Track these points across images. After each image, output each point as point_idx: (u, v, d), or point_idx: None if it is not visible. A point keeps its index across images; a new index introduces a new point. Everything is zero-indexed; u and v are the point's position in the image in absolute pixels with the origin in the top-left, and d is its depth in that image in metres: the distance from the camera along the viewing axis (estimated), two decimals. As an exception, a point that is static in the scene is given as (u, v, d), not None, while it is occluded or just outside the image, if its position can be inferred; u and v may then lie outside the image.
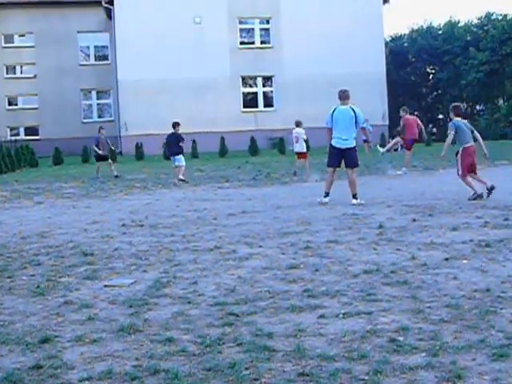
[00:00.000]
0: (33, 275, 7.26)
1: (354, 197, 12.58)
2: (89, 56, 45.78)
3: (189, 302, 5.82)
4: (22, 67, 45.42)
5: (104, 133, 23.47)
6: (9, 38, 44.84)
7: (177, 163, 19.86)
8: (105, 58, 45.25)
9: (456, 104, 13.48)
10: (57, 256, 8.35)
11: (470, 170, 12.50)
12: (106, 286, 6.59)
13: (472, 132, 12.76)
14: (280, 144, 35.60)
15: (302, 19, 39.02)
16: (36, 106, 44.14)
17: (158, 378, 4.08)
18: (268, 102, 41.27)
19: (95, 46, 45.64)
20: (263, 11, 40.54)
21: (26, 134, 44.07)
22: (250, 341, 4.67)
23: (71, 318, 5.52)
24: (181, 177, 19.24)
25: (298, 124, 20.93)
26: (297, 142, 20.45)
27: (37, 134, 43.66)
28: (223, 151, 34.80)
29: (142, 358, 4.45)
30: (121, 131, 39.29)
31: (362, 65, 39.49)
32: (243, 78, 41.06)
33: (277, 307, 5.55)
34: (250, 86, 41.97)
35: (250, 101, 41.25)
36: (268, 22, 41.13)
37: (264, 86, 41.60)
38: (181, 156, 20.01)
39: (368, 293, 5.88)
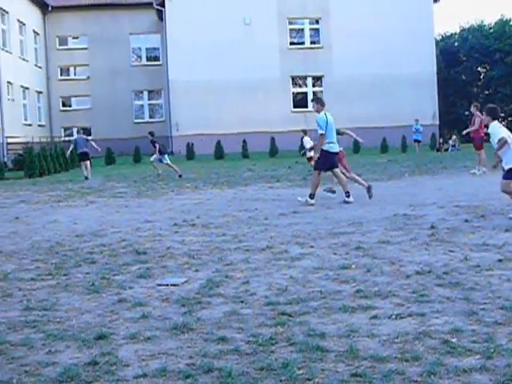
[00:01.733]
0: (87, 273, 7.38)
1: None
2: (140, 57, 46.29)
3: (241, 302, 5.85)
4: (75, 69, 46.14)
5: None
6: (63, 41, 45.64)
7: (166, 161, 23.56)
8: (156, 58, 45.71)
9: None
10: (110, 254, 8.48)
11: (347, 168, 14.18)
12: (159, 284, 6.65)
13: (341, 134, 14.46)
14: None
15: (352, 19, 38.82)
16: (89, 107, 44.82)
17: (211, 376, 4.10)
18: (318, 102, 41.13)
19: (147, 48, 46.10)
20: (313, 11, 40.46)
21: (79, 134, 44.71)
22: (302, 341, 4.67)
23: (125, 315, 5.59)
24: (179, 171, 22.70)
25: (306, 132, 22.96)
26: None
27: (89, 135, 44.19)
28: (273, 151, 34.81)
29: (195, 356, 4.48)
30: (172, 131, 39.64)
31: (412, 64, 39.14)
32: (293, 78, 41.03)
33: (329, 307, 5.53)
34: (300, 86, 41.92)
35: (299, 101, 41.20)
36: (317, 22, 41.04)
37: (314, 85, 41.51)
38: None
39: (420, 294, 5.82)
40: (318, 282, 6.49)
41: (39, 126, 42.35)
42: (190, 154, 35.14)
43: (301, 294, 5.99)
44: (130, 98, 44.93)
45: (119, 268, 7.58)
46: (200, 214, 12.15)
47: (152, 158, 24.05)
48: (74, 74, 46.11)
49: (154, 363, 4.39)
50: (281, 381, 3.98)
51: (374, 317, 5.21)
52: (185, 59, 38.41)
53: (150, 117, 45.55)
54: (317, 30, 41.25)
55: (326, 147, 13.31)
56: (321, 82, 41.23)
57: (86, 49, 44.86)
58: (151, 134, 24.76)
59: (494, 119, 10.54)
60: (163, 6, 39.87)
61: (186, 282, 6.72)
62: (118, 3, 44.30)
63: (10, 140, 35.02)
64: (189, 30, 38.37)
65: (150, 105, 45.86)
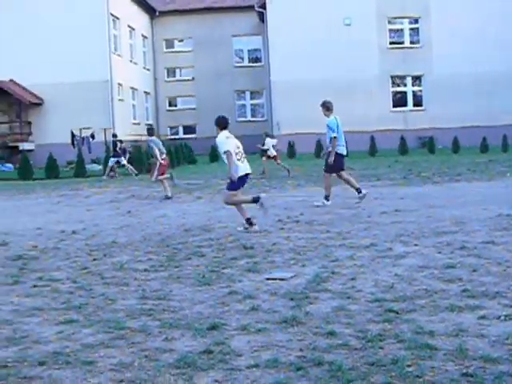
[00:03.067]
0: (198, 266, 7.54)
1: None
2: (243, 58, 46.75)
3: (348, 298, 5.82)
4: (181, 70, 47.11)
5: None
6: (169, 44, 46.69)
7: (111, 164, 26.20)
8: (258, 60, 46.05)
9: (150, 127, 18.17)
10: (218, 248, 8.62)
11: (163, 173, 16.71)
12: (267, 278, 6.71)
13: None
14: (430, 143, 34.75)
15: (452, 17, 37.84)
16: (194, 107, 45.66)
17: (322, 369, 4.10)
18: (417, 102, 40.39)
19: (249, 49, 46.50)
20: (412, 11, 39.67)
21: (184, 133, 45.74)
22: (410, 338, 4.60)
23: (236, 307, 5.67)
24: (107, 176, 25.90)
25: (268, 134, 25.36)
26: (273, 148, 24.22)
27: (194, 133, 45.17)
28: (373, 150, 34.42)
29: (305, 349, 4.50)
30: (273, 130, 39.82)
31: (514, 62, 37.82)
32: (392, 78, 40.40)
33: (436, 306, 5.43)
34: (399, 86, 41.20)
35: (398, 100, 40.53)
36: (417, 22, 40.22)
37: (413, 85, 40.74)
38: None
39: (530, 296, 5.63)
40: (423, 280, 6.37)
41: (147, 124, 43.46)
42: (291, 152, 35.21)
43: (407, 292, 5.91)
44: (232, 97, 45.47)
45: (228, 261, 7.70)
46: (303, 211, 12.17)
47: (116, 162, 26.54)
48: (180, 76, 47.07)
49: (266, 354, 4.43)
50: (391, 377, 3.93)
51: (483, 317, 5.07)
52: (285, 60, 38.48)
53: (252, 116, 45.96)
54: (416, 29, 40.45)
55: (340, 150, 13.60)
56: (420, 82, 40.42)
57: (191, 51, 45.75)
58: (114, 135, 28.16)
59: (222, 129, 10.25)
60: (264, 8, 40.10)
61: (293, 276, 6.75)
62: (222, 7, 44.94)
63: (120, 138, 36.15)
64: (289, 31, 38.41)
65: (252, 104, 46.25)
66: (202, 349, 4.57)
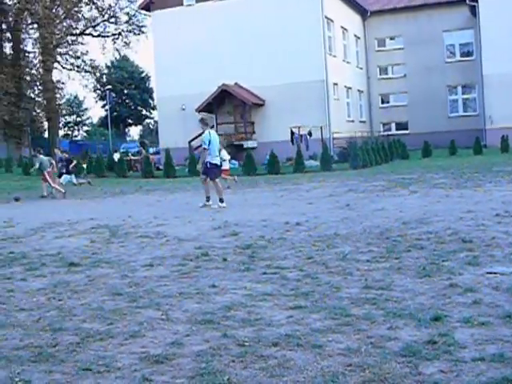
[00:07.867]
0: (417, 258, 7.42)
1: (221, 200, 14.50)
2: (454, 53, 45.04)
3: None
4: (392, 68, 46.42)
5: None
6: (381, 42, 46.25)
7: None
8: (469, 54, 44.13)
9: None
10: (437, 241, 8.41)
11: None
12: (487, 272, 6.45)
13: None
14: None
15: None
16: (405, 103, 44.86)
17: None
18: None
19: (460, 44, 44.70)
20: None
21: (396, 129, 45.10)
22: None
23: (457, 300, 5.52)
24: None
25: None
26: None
27: (406, 129, 44.41)
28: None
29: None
30: (486, 124, 38.06)
31: None
32: None
33: None
34: None
35: None
36: None
37: None
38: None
39: None
40: None
41: (360, 121, 43.49)
42: (505, 146, 33.37)
43: None
44: (444, 93, 43.97)
45: (447, 254, 7.49)
46: (522, 207, 11.52)
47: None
48: (392, 73, 46.41)
49: (491, 348, 4.28)
50: None
51: None
52: (498, 53, 36.55)
53: (464, 111, 44.16)
54: None
55: (214, 160, 14.76)
56: None
57: (402, 49, 44.96)
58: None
59: None
60: (476, 1, 38.35)
61: (515, 271, 6.44)
62: (432, 3, 43.59)
63: (335, 135, 36.50)
64: (502, 23, 36.42)
65: (463, 99, 44.45)
66: (426, 339, 4.51)
